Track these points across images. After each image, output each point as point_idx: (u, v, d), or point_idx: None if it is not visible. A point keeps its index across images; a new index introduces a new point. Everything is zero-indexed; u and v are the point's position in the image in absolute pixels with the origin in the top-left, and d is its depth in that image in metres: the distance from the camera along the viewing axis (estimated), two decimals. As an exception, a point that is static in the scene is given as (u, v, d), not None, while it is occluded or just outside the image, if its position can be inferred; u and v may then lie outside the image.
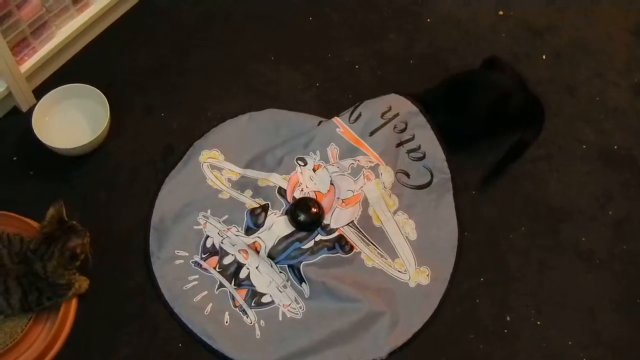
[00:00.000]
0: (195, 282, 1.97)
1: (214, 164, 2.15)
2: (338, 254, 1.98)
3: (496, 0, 2.61)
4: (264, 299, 1.95)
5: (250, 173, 2.13)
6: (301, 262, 1.96)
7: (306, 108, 2.30)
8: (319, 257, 1.97)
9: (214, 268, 1.99)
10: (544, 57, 2.47)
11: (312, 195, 2.05)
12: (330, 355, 1.88)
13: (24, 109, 2.20)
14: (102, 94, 2.14)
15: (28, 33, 2.10)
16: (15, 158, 2.13)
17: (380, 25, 2.52)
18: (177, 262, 1.99)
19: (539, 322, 1.96)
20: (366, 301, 1.91)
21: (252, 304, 1.94)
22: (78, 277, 1.83)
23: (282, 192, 2.07)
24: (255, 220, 2.03)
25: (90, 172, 2.10)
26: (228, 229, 2.03)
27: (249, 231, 2.02)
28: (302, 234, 2.00)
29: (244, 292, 1.96)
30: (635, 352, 1.94)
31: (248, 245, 1.99)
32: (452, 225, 2.07)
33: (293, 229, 2.01)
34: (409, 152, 2.13)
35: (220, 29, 2.47)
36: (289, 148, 2.16)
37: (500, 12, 2.58)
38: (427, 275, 1.99)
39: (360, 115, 2.14)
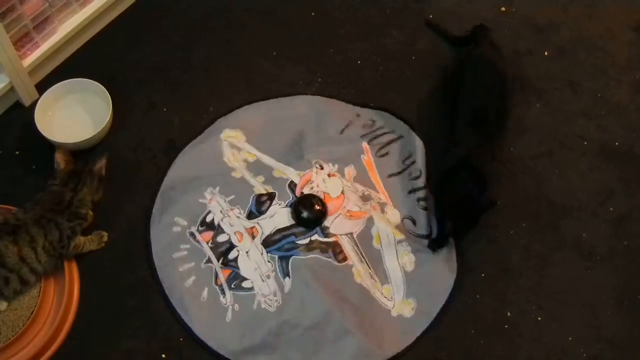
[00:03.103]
0: (185, 253, 2.00)
1: (234, 144, 2.18)
2: (329, 260, 1.98)
3: (498, -4, 2.61)
4: (245, 284, 1.96)
5: (268, 160, 2.15)
6: (292, 256, 1.97)
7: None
8: (310, 256, 1.98)
9: (207, 242, 2.01)
10: (546, 53, 2.47)
11: (321, 195, 2.06)
12: (291, 356, 1.88)
13: (27, 103, 2.20)
14: (104, 88, 2.15)
15: (31, 28, 2.10)
16: (17, 152, 2.14)
17: (382, 21, 2.52)
18: (175, 229, 2.03)
19: (539, 318, 1.97)
20: (340, 315, 1.89)
21: (232, 286, 1.96)
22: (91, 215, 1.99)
23: (292, 185, 2.09)
24: (259, 206, 2.05)
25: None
26: (231, 209, 2.05)
27: (250, 215, 2.05)
28: (300, 229, 2.02)
29: (228, 272, 1.98)
30: (636, 347, 1.94)
31: (246, 229, 2.02)
32: (451, 267, 2.02)
33: (293, 222, 2.02)
34: (419, 200, 2.12)
35: (222, 24, 2.47)
36: (312, 150, 2.16)
37: (503, 9, 2.58)
38: (412, 308, 1.96)
39: (387, 154, 2.17)
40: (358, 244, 2.01)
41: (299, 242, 2.00)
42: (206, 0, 2.52)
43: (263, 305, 1.93)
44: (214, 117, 2.24)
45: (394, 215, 2.08)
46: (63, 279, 1.89)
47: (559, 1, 2.62)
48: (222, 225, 2.04)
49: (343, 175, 2.12)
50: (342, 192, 2.07)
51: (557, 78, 2.42)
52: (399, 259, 2.01)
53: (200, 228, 2.04)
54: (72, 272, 1.93)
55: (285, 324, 1.89)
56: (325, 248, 1.99)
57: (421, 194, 2.12)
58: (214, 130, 2.20)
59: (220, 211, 2.05)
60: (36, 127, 2.07)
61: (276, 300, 1.93)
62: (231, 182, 2.10)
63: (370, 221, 2.03)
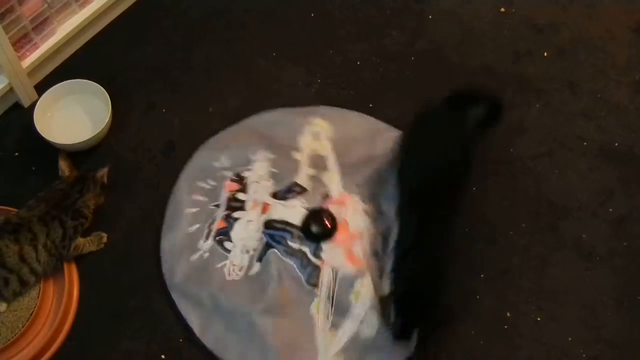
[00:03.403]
0: (207, 187, 2.09)
1: (319, 133, 2.20)
2: (300, 276, 1.96)
3: (498, -3, 2.61)
4: (227, 245, 2.00)
5: (332, 162, 2.15)
6: (274, 248, 1.98)
7: (307, 103, 2.30)
8: (287, 260, 1.97)
9: (229, 191, 2.07)
10: (545, 54, 2.47)
11: (340, 221, 2.04)
12: (208, 326, 1.89)
13: (26, 104, 2.20)
14: (103, 89, 2.15)
15: (30, 29, 2.10)
16: (16, 153, 2.14)
17: (382, 22, 2.52)
18: (215, 163, 2.13)
19: (539, 319, 1.97)
20: (270, 323, 1.88)
21: (217, 238, 2.00)
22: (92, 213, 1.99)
23: (325, 197, 2.08)
24: (287, 193, 2.08)
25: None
26: (267, 179, 2.09)
27: (274, 195, 2.07)
28: (299, 234, 2.01)
29: (223, 225, 2.02)
30: (635, 348, 1.94)
31: (263, 202, 2.05)
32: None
33: (298, 224, 2.02)
34: None
35: (222, 25, 2.47)
36: (368, 188, 2.11)
37: (502, 9, 2.57)
38: None
39: None
40: (336, 284, 1.95)
41: (290, 242, 1.99)
42: (206, 0, 2.52)
43: (225, 269, 1.96)
44: (317, 103, 2.28)
45: (386, 287, 1.95)
46: (62, 280, 1.89)
47: (558, 2, 2.62)
48: (249, 187, 2.08)
49: (377, 224, 2.07)
50: (361, 232, 2.03)
51: (557, 79, 2.41)
52: (363, 321, 1.91)
53: (234, 177, 2.09)
54: (72, 274, 1.93)
55: (224, 296, 1.91)
56: (305, 264, 1.97)
57: None
58: (311, 112, 2.24)
59: (258, 175, 2.09)
60: (35, 128, 2.07)
61: (236, 275, 1.95)
62: (288, 158, 2.13)
63: (361, 274, 1.96)
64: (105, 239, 1.99)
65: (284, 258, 1.97)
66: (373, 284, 1.96)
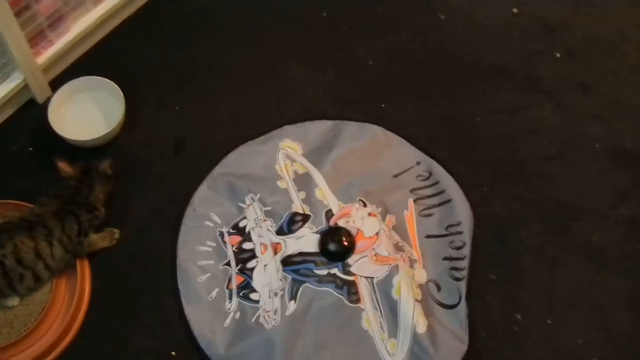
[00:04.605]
0: (209, 249, 2.02)
1: (290, 155, 2.18)
2: (341, 297, 1.92)
3: (511, -2, 2.61)
4: (253, 296, 1.95)
5: (316, 175, 2.13)
6: (305, 283, 1.95)
7: (318, 103, 2.31)
8: (322, 288, 1.94)
9: (232, 246, 2.03)
10: (557, 55, 2.47)
11: (353, 232, 2.01)
12: None
13: (40, 100, 2.22)
14: (117, 87, 2.16)
15: (45, 26, 2.11)
16: (30, 149, 2.15)
17: (394, 21, 2.52)
18: (207, 223, 2.06)
19: (549, 321, 1.96)
20: (330, 355, 1.87)
21: (241, 294, 1.95)
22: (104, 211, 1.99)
23: (329, 214, 2.05)
24: (291, 225, 2.04)
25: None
26: (265, 220, 2.05)
27: (280, 231, 2.03)
28: (321, 259, 1.97)
29: (241, 279, 1.98)
30: (646, 351, 1.94)
31: (271, 243, 2.01)
32: (463, 340, 1.92)
33: (317, 250, 1.99)
34: (451, 269, 2.02)
35: (235, 24, 2.48)
36: (361, 185, 2.12)
37: (515, 10, 2.57)
38: None
39: (431, 215, 2.10)
40: (376, 290, 1.94)
41: (317, 271, 1.96)
42: (220, 0, 2.53)
43: (261, 320, 1.91)
44: (282, 122, 2.24)
45: (421, 274, 2.01)
46: (75, 276, 1.90)
47: (571, 2, 2.62)
48: (251, 234, 2.04)
49: (383, 219, 2.08)
50: (377, 234, 2.01)
51: (569, 79, 2.41)
52: (414, 318, 1.90)
53: (231, 230, 2.05)
54: (84, 269, 1.94)
55: (271, 344, 1.87)
56: (340, 284, 1.94)
57: (458, 264, 2.03)
58: (276, 136, 2.22)
59: (254, 219, 2.05)
60: (49, 125, 2.08)
61: (274, 319, 1.91)
62: (274, 191, 2.10)
63: (394, 269, 1.95)
64: (117, 235, 2.00)
65: (319, 288, 1.94)
66: (408, 274, 1.96)
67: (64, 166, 1.94)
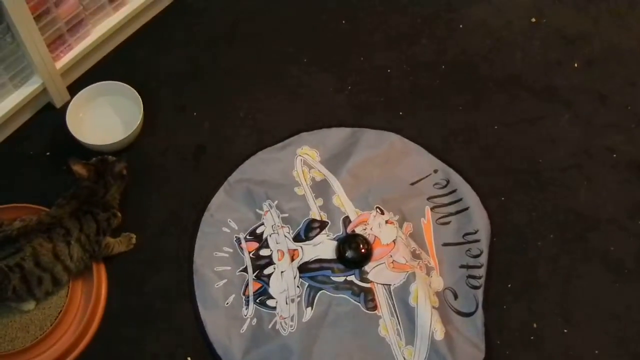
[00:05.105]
0: (226, 255, 2.02)
1: (308, 161, 2.18)
2: (358, 304, 1.92)
3: (529, 7, 2.60)
4: (270, 302, 1.95)
5: (334, 182, 2.13)
6: (322, 290, 1.95)
7: (337, 111, 2.31)
8: (339, 295, 1.94)
9: (250, 252, 2.02)
10: (575, 64, 2.46)
11: (371, 239, 2.01)
12: None
13: (58, 105, 2.23)
14: (135, 91, 2.17)
15: (64, 30, 2.12)
16: (48, 153, 2.16)
17: (412, 30, 2.52)
18: (224, 229, 2.07)
19: (565, 330, 1.95)
20: None
21: (257, 300, 1.95)
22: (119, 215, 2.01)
23: (346, 222, 2.05)
24: (308, 232, 2.04)
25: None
26: (282, 226, 2.05)
27: (297, 238, 2.03)
28: (339, 266, 1.97)
29: (258, 286, 1.98)
30: (664, 363, 1.93)
31: (289, 250, 2.01)
32: (480, 348, 1.91)
33: (334, 257, 1.99)
34: (468, 277, 2.02)
35: (253, 30, 2.48)
36: (378, 193, 2.12)
37: (533, 19, 2.57)
38: None
39: (448, 223, 2.10)
40: (393, 298, 1.93)
41: (334, 278, 1.96)
42: (237, 6, 2.54)
43: (277, 326, 1.91)
44: (300, 129, 2.25)
45: (438, 282, 2.01)
46: (91, 280, 1.91)
47: (589, 13, 2.61)
48: (269, 240, 2.04)
49: (400, 226, 2.07)
50: (394, 241, 2.01)
51: (587, 90, 2.40)
52: (432, 325, 1.89)
53: (248, 237, 2.05)
54: (100, 274, 1.94)
55: (288, 351, 1.87)
56: (357, 291, 1.94)
57: (475, 272, 2.02)
58: (294, 143, 2.22)
59: (272, 226, 2.06)
60: (67, 129, 2.09)
61: (291, 326, 1.91)
62: (292, 198, 2.10)
63: (411, 277, 1.94)
64: (134, 240, 2.01)
65: (335, 295, 1.94)
66: (424, 281, 1.96)
67: (78, 168, 1.94)
